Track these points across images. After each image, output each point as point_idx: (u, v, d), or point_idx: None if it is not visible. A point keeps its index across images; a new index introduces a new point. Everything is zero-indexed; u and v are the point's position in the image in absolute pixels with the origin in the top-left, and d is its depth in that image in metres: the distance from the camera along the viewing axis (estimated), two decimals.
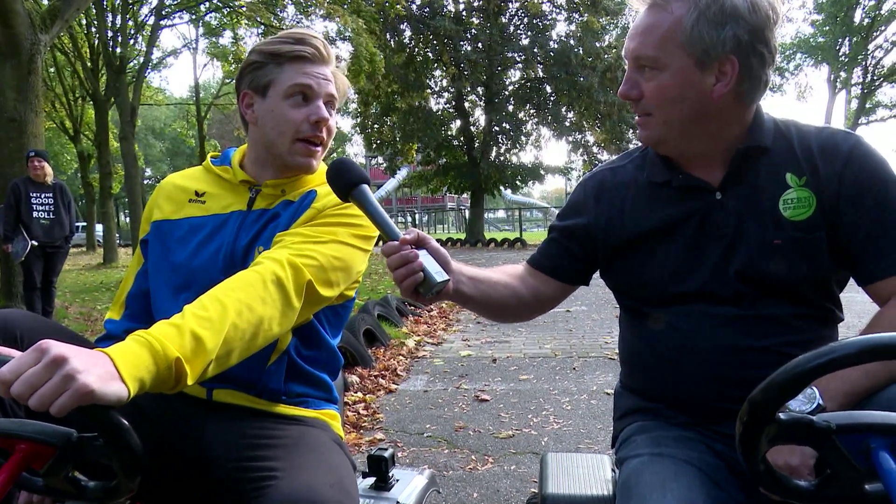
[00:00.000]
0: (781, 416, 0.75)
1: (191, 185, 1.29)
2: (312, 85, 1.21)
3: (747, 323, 1.09)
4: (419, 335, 6.05)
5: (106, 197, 18.40)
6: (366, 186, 1.04)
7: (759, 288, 1.09)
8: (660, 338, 1.16)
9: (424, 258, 0.98)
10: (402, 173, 30.47)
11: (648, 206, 1.18)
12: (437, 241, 1.11)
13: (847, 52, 26.68)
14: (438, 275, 0.98)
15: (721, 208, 1.11)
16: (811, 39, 27.84)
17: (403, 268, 0.97)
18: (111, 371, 0.77)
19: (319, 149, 1.25)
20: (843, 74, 27.31)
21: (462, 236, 25.95)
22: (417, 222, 44.20)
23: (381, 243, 1.04)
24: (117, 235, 20.39)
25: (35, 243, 5.81)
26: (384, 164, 27.65)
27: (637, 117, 1.14)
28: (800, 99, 32.52)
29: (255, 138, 1.27)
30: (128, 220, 20.81)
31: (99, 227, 23.94)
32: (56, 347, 0.74)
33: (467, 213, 30.79)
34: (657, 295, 1.16)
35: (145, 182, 37.17)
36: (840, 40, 26.58)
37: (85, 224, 25.50)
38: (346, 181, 1.03)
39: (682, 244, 1.13)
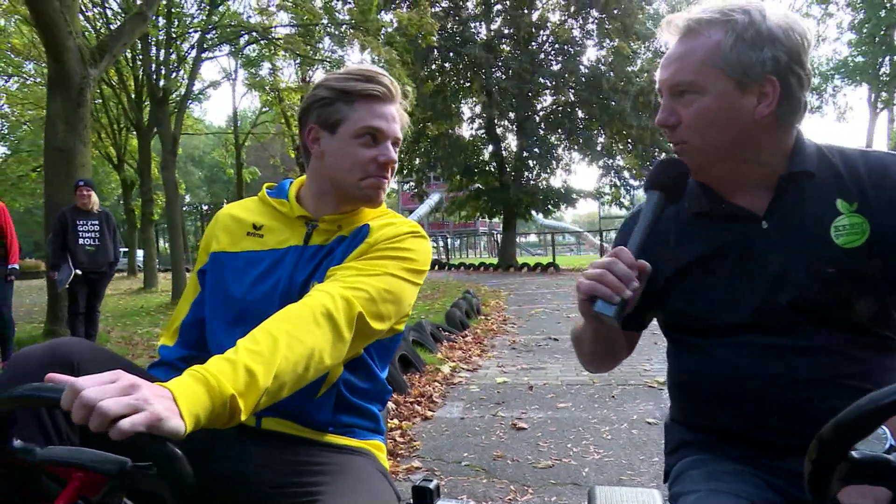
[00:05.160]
0: (855, 454, 0.71)
1: (248, 217, 1.31)
2: (383, 128, 1.23)
3: (801, 353, 1.05)
4: (454, 361, 6.01)
5: (147, 223, 18.92)
6: (657, 193, 1.07)
7: (812, 317, 1.05)
8: (710, 370, 1.12)
9: (634, 291, 1.00)
10: (435, 198, 30.65)
11: (692, 238, 1.15)
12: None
13: (888, 72, 26.09)
14: (622, 312, 0.99)
15: (767, 237, 1.08)
16: (849, 60, 27.31)
17: (618, 280, 0.99)
18: (172, 406, 0.77)
19: (386, 183, 1.26)
20: (884, 94, 26.67)
21: (494, 261, 25.90)
22: (449, 247, 44.26)
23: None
24: (157, 261, 20.89)
25: (79, 272, 5.97)
26: (415, 189, 27.93)
27: (673, 146, 1.13)
28: (839, 120, 31.87)
29: (319, 171, 1.28)
30: (167, 245, 21.33)
31: (140, 253, 24.64)
32: (130, 376, 0.76)
33: (499, 238, 30.73)
34: (706, 326, 1.13)
35: (184, 209, 38.14)
36: (880, 60, 26.03)
37: (126, 250, 26.26)
38: (653, 178, 1.08)
39: (727, 274, 1.10)
